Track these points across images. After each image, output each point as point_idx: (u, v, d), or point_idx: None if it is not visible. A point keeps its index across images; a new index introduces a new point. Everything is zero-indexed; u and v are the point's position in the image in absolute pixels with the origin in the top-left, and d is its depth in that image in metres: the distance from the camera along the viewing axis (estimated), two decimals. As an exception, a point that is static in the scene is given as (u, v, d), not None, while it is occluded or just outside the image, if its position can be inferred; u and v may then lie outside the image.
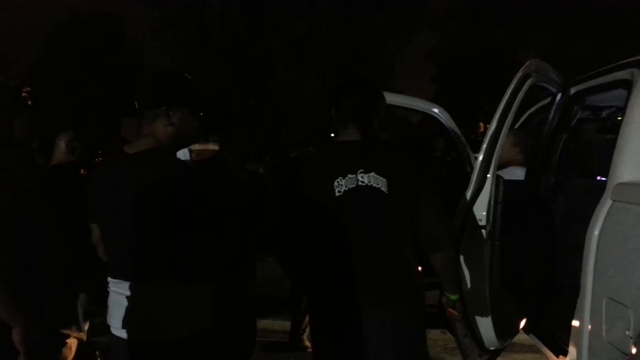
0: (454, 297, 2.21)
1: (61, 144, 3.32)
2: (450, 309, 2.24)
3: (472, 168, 2.94)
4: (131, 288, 1.84)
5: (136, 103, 1.89)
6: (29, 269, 1.94)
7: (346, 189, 1.96)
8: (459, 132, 4.03)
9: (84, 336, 3.39)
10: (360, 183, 1.96)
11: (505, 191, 2.76)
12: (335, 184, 1.96)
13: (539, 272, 3.01)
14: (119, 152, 1.91)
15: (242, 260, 2.34)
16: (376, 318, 1.96)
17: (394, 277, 2.00)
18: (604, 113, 3.51)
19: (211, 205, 1.89)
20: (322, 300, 2.07)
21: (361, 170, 1.96)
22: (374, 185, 1.96)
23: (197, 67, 19.89)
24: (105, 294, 2.04)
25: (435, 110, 4.05)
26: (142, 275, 1.82)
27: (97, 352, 3.56)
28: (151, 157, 1.81)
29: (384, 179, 1.96)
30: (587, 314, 2.26)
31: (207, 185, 1.98)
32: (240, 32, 22.64)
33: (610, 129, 3.43)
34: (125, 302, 1.85)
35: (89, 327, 3.44)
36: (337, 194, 1.96)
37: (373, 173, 1.96)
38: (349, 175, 1.96)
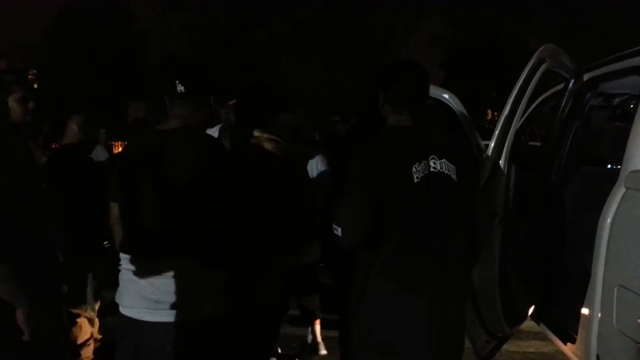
0: None
1: (73, 126, 3.33)
2: None
3: (481, 155, 2.90)
4: (147, 266, 1.85)
5: (182, 87, 1.91)
6: (29, 249, 1.94)
7: (422, 175, 1.86)
8: (469, 118, 3.99)
9: (94, 316, 3.43)
10: (432, 169, 1.87)
11: (516, 178, 2.74)
12: (414, 169, 1.85)
13: (549, 259, 3.00)
14: (150, 131, 2.01)
15: (264, 250, 2.28)
16: (442, 309, 1.89)
17: (456, 269, 1.94)
18: (616, 101, 3.47)
19: (242, 188, 1.91)
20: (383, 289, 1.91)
21: (433, 156, 1.88)
22: (446, 172, 1.89)
23: (202, 51, 19.84)
24: (114, 275, 2.06)
25: (446, 95, 3.98)
26: (161, 252, 1.83)
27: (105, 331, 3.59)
28: (187, 135, 1.89)
29: (454, 166, 1.90)
30: (597, 302, 2.26)
31: (244, 169, 2.00)
32: (246, 17, 22.52)
33: (622, 116, 3.41)
34: (137, 281, 1.86)
35: (99, 307, 3.48)
36: (415, 180, 1.85)
37: (444, 160, 1.89)
38: (423, 161, 1.87)
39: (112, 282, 2.27)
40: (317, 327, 3.81)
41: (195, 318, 1.85)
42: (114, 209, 1.99)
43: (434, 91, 4.13)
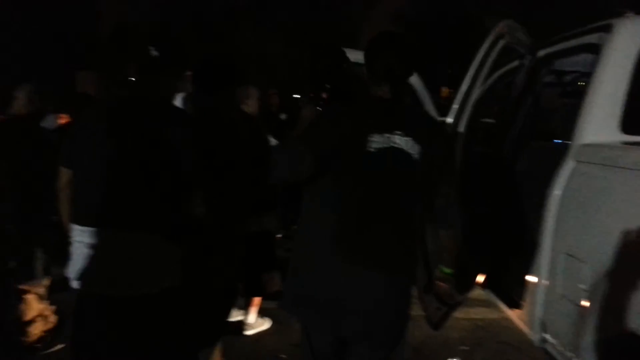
0: (448, 270, 2.14)
1: (20, 96, 3.21)
2: (440, 282, 2.18)
3: None
4: (102, 238, 1.80)
5: (156, 53, 1.88)
6: None
7: (380, 146, 1.85)
8: (426, 94, 4.06)
9: (44, 292, 3.34)
10: (393, 144, 1.86)
11: (471, 152, 2.82)
12: (371, 139, 1.84)
13: (499, 230, 3.11)
14: (107, 100, 1.95)
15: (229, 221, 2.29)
16: (380, 279, 1.90)
17: (401, 242, 1.93)
18: (568, 78, 3.59)
19: (205, 153, 1.89)
20: (319, 256, 1.94)
21: (398, 132, 1.86)
22: (408, 150, 1.87)
23: (157, 18, 19.17)
24: (65, 251, 1.99)
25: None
26: (118, 224, 1.79)
27: (56, 308, 3.51)
28: (153, 104, 1.86)
29: (418, 146, 1.88)
30: (544, 269, 2.38)
31: (205, 135, 1.97)
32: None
33: (573, 93, 3.53)
34: (92, 254, 1.81)
35: (49, 283, 3.38)
36: (370, 149, 1.84)
37: (410, 138, 1.87)
38: (386, 134, 1.85)
39: (63, 256, 2.23)
40: (256, 305, 3.65)
41: (153, 291, 1.83)
42: (64, 175, 1.94)
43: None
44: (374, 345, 1.99)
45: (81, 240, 1.85)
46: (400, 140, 1.86)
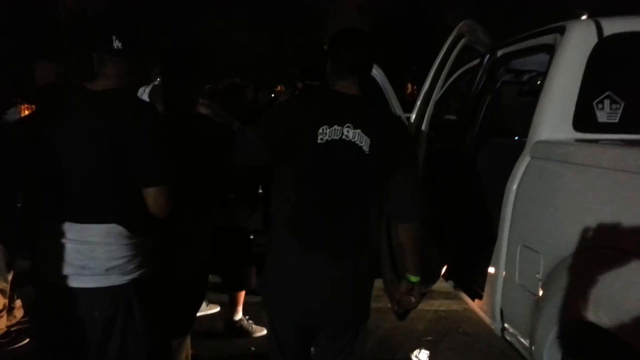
0: (414, 278, 2.07)
1: None
2: (406, 295, 2.10)
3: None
4: (71, 231, 1.81)
5: (119, 44, 1.85)
6: None
7: (329, 138, 1.89)
8: (392, 91, 4.13)
9: (6, 286, 3.28)
10: (344, 137, 1.89)
11: (433, 149, 2.90)
12: (320, 130, 1.88)
13: (460, 223, 3.22)
14: (76, 91, 1.90)
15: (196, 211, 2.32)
16: (334, 268, 1.94)
17: (353, 231, 1.97)
18: (525, 77, 3.72)
19: (176, 152, 1.89)
20: (281, 247, 2.00)
21: (348, 124, 1.90)
22: (357, 142, 1.90)
23: (120, 7, 18.70)
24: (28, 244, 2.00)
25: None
26: (86, 218, 1.80)
27: (21, 303, 3.46)
28: (119, 97, 1.85)
29: (369, 139, 1.90)
30: (502, 260, 2.48)
31: (178, 133, 1.99)
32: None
33: (530, 92, 3.66)
34: (60, 246, 1.81)
35: (13, 278, 3.33)
36: (319, 141, 1.88)
37: (359, 130, 1.90)
38: (335, 127, 1.89)
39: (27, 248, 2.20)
40: (241, 299, 3.66)
41: (122, 282, 1.84)
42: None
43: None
44: (334, 334, 2.05)
45: (50, 232, 1.84)
46: (349, 133, 1.90)
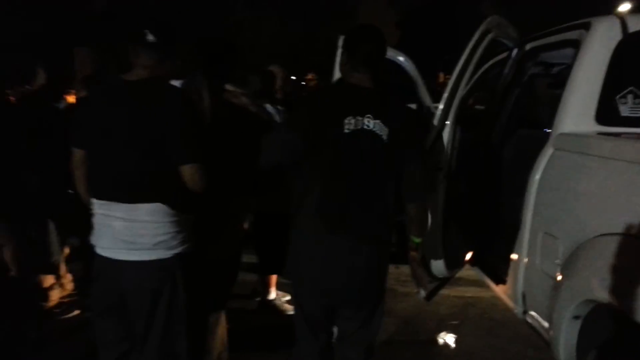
0: (417, 240, 2.31)
1: (40, 73, 3.31)
2: (412, 251, 2.34)
3: (431, 118, 3.15)
4: (119, 211, 1.97)
5: (152, 37, 1.97)
6: (13, 193, 2.04)
7: (354, 128, 2.04)
8: (422, 81, 4.21)
9: (59, 260, 3.54)
10: (365, 127, 2.04)
11: (461, 139, 3.01)
12: (346, 121, 2.03)
13: (486, 211, 3.32)
14: (115, 81, 2.04)
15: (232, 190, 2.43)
16: (354, 250, 2.11)
17: (374, 216, 2.13)
18: (553, 70, 3.77)
19: (213, 138, 2.04)
20: (305, 233, 2.16)
21: (369, 115, 2.04)
22: (378, 132, 2.05)
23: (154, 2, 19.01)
24: (81, 223, 2.17)
25: (401, 58, 4.18)
26: (132, 198, 1.96)
27: (72, 277, 3.71)
28: (156, 86, 1.96)
29: (387, 129, 2.05)
30: (525, 247, 2.59)
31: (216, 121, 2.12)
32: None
33: (559, 84, 3.71)
34: (113, 224, 1.98)
35: (67, 253, 3.58)
36: (345, 130, 2.04)
37: (379, 121, 2.04)
38: (358, 117, 2.04)
39: (80, 228, 2.41)
40: (274, 280, 3.82)
41: (167, 256, 2.01)
42: (76, 154, 2.08)
43: (390, 53, 4.34)
44: (353, 310, 2.23)
45: (101, 212, 2.02)
46: (370, 123, 2.04)
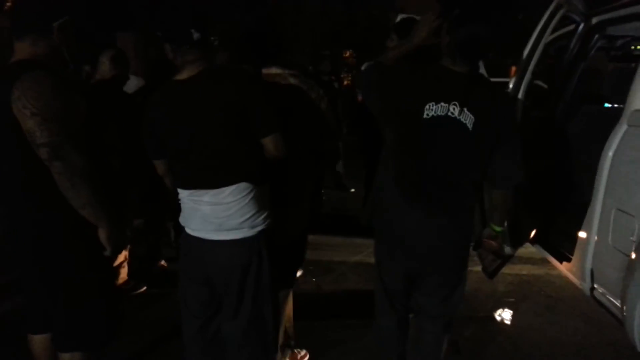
0: (498, 228, 2.26)
1: (105, 61, 3.41)
2: (489, 240, 2.30)
3: None
4: (205, 197, 2.05)
5: (198, 35, 1.96)
6: (103, 174, 2.14)
7: (435, 114, 1.95)
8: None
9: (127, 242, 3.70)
10: (449, 114, 1.95)
11: (526, 114, 2.98)
12: (427, 107, 1.95)
13: (551, 189, 3.29)
14: (170, 84, 2.04)
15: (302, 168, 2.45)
16: (441, 223, 2.10)
17: (450, 197, 2.09)
18: (619, 42, 3.67)
19: (281, 113, 2.05)
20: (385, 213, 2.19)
21: (455, 102, 1.95)
22: (462, 120, 1.95)
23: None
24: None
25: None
26: (221, 181, 2.03)
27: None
28: (210, 75, 1.98)
29: (473, 117, 1.94)
30: (595, 224, 2.57)
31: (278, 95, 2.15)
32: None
33: (624, 58, 3.61)
34: (201, 208, 2.07)
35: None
36: (424, 116, 1.95)
37: (466, 108, 1.94)
38: (442, 103, 1.95)
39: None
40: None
41: (253, 233, 2.08)
42: (159, 165, 2.14)
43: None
44: (439, 282, 2.25)
45: (189, 198, 2.10)
46: (455, 111, 1.95)
